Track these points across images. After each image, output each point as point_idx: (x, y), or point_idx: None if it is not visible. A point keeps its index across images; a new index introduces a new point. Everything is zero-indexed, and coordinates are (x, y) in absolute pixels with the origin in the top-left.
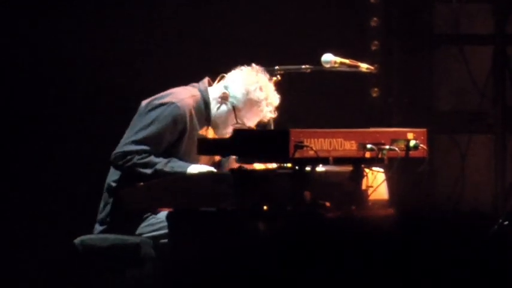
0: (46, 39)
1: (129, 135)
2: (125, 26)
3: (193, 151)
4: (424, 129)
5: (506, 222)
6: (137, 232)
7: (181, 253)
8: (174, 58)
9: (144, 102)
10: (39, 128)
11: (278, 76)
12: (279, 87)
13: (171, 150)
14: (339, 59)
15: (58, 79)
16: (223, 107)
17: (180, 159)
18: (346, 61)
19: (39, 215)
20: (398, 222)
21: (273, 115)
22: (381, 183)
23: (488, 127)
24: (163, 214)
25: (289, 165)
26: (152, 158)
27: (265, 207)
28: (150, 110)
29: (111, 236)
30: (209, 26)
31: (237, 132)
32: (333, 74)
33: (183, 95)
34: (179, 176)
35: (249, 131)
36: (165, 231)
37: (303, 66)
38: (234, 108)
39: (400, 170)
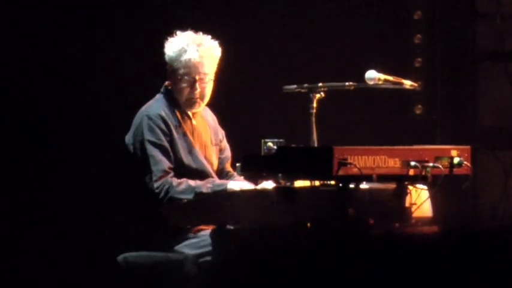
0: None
1: (147, 170)
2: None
3: (191, 148)
4: (468, 147)
5: None
6: (177, 250)
7: (225, 270)
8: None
9: (127, 138)
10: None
11: (322, 93)
12: (323, 104)
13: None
14: (382, 76)
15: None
16: (171, 79)
17: (182, 161)
18: (390, 78)
19: (77, 231)
20: (443, 240)
21: (217, 52)
22: (424, 201)
23: None
24: (205, 233)
25: (332, 182)
26: (188, 182)
27: (308, 225)
28: (137, 139)
29: (154, 253)
30: (253, 41)
31: (281, 149)
32: (377, 90)
33: (148, 105)
34: (223, 193)
35: (293, 148)
36: (208, 249)
37: (347, 83)
38: (174, 70)
39: (443, 187)
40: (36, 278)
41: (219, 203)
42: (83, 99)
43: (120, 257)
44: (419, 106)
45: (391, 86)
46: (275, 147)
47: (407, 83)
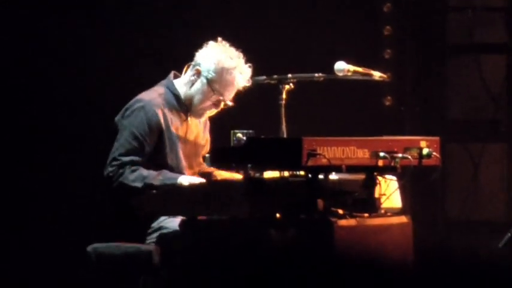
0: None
1: (113, 150)
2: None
3: (176, 149)
4: (437, 138)
5: None
6: (148, 242)
7: (194, 261)
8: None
9: (116, 118)
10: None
11: (291, 84)
12: (292, 95)
13: (156, 153)
14: (352, 67)
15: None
16: (198, 84)
17: (165, 159)
18: (359, 69)
19: (49, 221)
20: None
21: (247, 83)
22: (393, 191)
23: (502, 136)
24: (173, 225)
25: (302, 173)
26: (142, 171)
27: (278, 215)
28: (123, 121)
29: (124, 244)
30: (223, 33)
31: (251, 140)
32: (346, 82)
33: (150, 96)
34: (193, 185)
35: (262, 139)
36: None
37: (316, 75)
38: (208, 81)
39: (412, 178)
40: (6, 269)
41: (188, 194)
42: (66, 87)
43: (90, 248)
44: (389, 97)
45: (361, 78)
46: (244, 138)
47: (377, 75)
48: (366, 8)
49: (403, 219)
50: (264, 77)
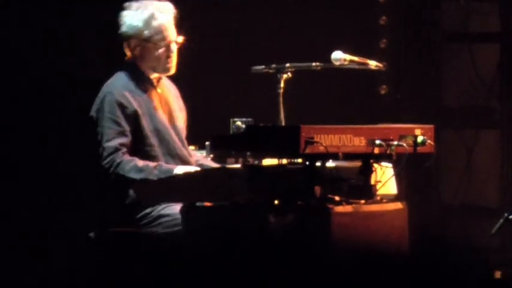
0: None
1: (100, 141)
2: None
3: (161, 126)
4: (432, 126)
5: (511, 216)
6: (149, 228)
7: (196, 246)
8: (182, 53)
9: (91, 113)
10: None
11: (289, 73)
12: (290, 84)
13: (140, 136)
14: (348, 57)
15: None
16: (142, 50)
17: (149, 140)
18: (356, 59)
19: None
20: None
21: (174, 12)
22: (389, 178)
23: (495, 123)
24: (173, 212)
25: (300, 160)
26: (137, 163)
27: (276, 202)
28: (98, 114)
29: (126, 230)
30: (221, 25)
31: (250, 128)
32: (343, 71)
33: (111, 82)
34: (193, 172)
35: (261, 127)
36: (179, 228)
37: (313, 64)
38: (145, 40)
39: (408, 165)
40: (7, 259)
41: (189, 181)
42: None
43: (92, 234)
44: (384, 86)
45: (357, 67)
46: (243, 126)
47: (373, 64)
48: None
49: (398, 205)
50: (263, 67)
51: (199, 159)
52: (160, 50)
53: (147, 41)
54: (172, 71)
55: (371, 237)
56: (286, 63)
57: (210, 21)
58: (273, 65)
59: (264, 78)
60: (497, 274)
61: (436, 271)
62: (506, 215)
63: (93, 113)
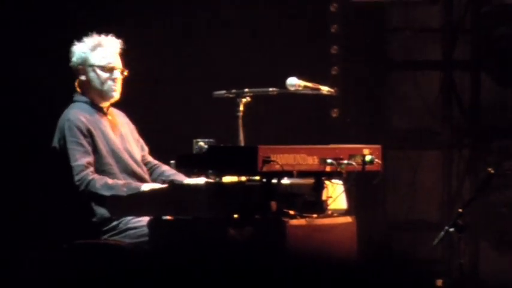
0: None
1: (70, 163)
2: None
3: (115, 148)
4: (379, 146)
5: (451, 229)
6: (117, 240)
7: (161, 256)
8: (136, 77)
9: (53, 144)
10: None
11: (248, 98)
12: (248, 107)
13: (98, 156)
14: (302, 83)
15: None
16: (88, 76)
17: (107, 159)
18: (309, 84)
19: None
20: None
21: (119, 43)
22: (339, 194)
23: (437, 144)
24: (141, 224)
25: (257, 178)
26: (107, 180)
27: (235, 216)
28: (61, 142)
29: (95, 241)
30: (184, 52)
31: (211, 148)
32: (297, 96)
33: (67, 111)
34: (159, 188)
35: (222, 147)
36: (145, 238)
37: (270, 89)
38: (91, 66)
39: (357, 182)
40: None
41: (158, 196)
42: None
43: (67, 244)
44: (336, 110)
45: (310, 92)
46: (206, 146)
47: (325, 89)
48: (315, 29)
49: (348, 219)
50: (224, 91)
51: (173, 173)
52: (103, 76)
53: (92, 66)
54: (117, 97)
55: (323, 248)
56: (245, 88)
57: (175, 49)
58: (233, 90)
59: (225, 102)
60: (439, 282)
61: (383, 280)
62: (446, 228)
63: (55, 144)
